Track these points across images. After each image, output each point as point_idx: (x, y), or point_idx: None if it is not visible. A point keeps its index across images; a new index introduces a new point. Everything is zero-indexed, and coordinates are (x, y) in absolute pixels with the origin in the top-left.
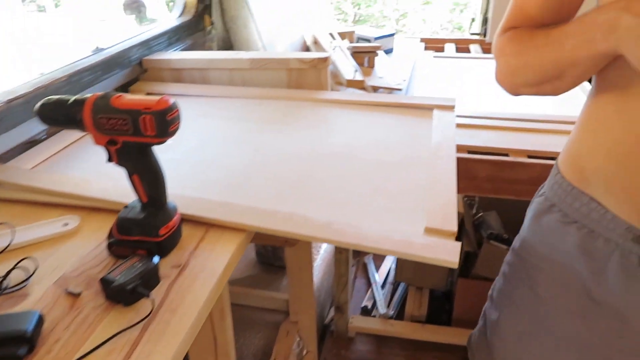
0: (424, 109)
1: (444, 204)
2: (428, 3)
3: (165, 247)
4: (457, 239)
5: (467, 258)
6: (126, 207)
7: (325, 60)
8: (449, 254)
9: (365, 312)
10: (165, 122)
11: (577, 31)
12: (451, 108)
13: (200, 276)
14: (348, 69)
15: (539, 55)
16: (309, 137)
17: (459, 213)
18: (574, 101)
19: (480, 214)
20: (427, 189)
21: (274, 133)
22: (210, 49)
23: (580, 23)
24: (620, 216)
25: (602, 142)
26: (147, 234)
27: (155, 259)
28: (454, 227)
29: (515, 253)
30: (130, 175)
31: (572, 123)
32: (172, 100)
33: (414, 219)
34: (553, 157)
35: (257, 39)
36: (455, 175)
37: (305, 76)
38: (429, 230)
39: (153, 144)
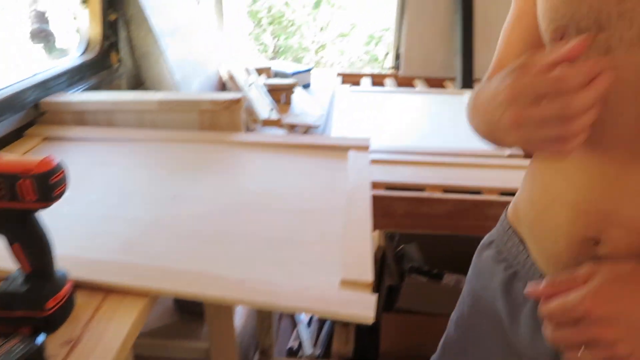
0: (340, 149)
1: (360, 254)
2: (345, 35)
3: (53, 322)
4: (380, 273)
5: (390, 292)
6: (6, 279)
7: (238, 101)
8: (364, 308)
9: (292, 353)
10: (48, 186)
11: (485, 108)
12: (366, 148)
13: (94, 353)
14: (264, 107)
15: (475, 120)
16: (222, 185)
17: (379, 247)
18: None
19: (401, 247)
20: (342, 237)
21: (185, 181)
22: (118, 87)
23: (487, 95)
24: (537, 264)
25: (529, 191)
26: (31, 308)
27: (40, 338)
28: (369, 277)
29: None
30: (11, 244)
31: (487, 156)
32: (56, 160)
33: (330, 271)
34: (467, 191)
35: (169, 76)
36: (370, 223)
37: (218, 118)
38: (345, 283)
39: (35, 210)
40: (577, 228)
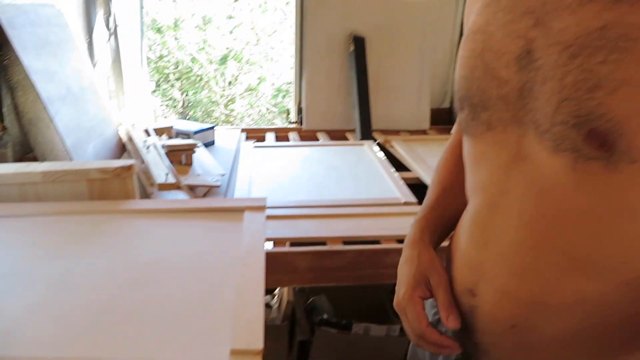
0: (236, 211)
1: (250, 321)
2: (253, 89)
3: None
4: (291, 329)
5: (302, 347)
6: None
7: (129, 168)
8: None
9: None
10: None
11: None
12: (262, 209)
13: None
14: (161, 171)
15: None
16: (112, 258)
17: (289, 302)
18: (384, 185)
19: (311, 299)
20: (234, 304)
21: (72, 258)
22: (4, 156)
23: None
24: None
25: None
26: None
27: None
28: (259, 345)
29: None
30: None
31: (384, 205)
32: None
33: (220, 341)
34: (366, 241)
35: (60, 142)
36: (262, 287)
37: (109, 186)
38: (235, 352)
39: None
40: (459, 280)
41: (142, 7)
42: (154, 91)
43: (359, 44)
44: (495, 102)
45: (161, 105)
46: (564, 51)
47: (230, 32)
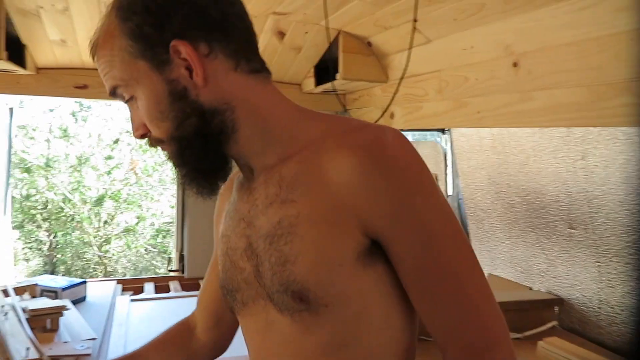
0: None
1: None
2: (131, 230)
3: None
4: None
5: None
6: None
7: None
8: None
9: None
10: None
11: None
12: None
13: None
14: (20, 344)
15: None
16: None
17: None
18: None
19: None
20: None
21: None
22: None
23: None
24: None
25: None
26: None
27: None
28: None
29: None
30: None
31: None
32: None
33: None
34: None
35: None
36: None
37: None
38: None
39: None
40: None
41: (10, 147)
42: (19, 237)
43: None
44: (242, 284)
45: (24, 248)
46: (265, 240)
47: (109, 173)
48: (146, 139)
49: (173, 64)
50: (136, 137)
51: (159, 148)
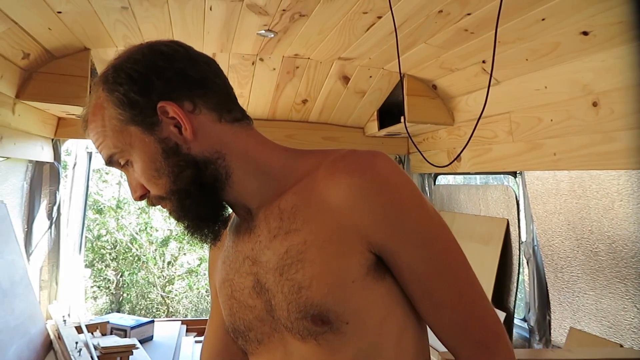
0: None
1: None
2: (194, 271)
3: None
4: None
5: None
6: None
7: None
8: None
9: None
10: None
11: None
12: None
13: None
14: None
15: None
16: None
17: None
18: None
19: None
20: None
21: None
22: None
23: None
24: None
25: None
26: None
27: None
28: None
29: None
30: None
31: None
32: None
33: None
34: None
35: None
36: None
37: None
38: None
39: None
40: None
41: (86, 194)
42: (89, 274)
43: None
44: (254, 322)
45: (92, 286)
46: (275, 273)
47: None
48: (145, 199)
49: (162, 124)
50: (135, 198)
51: (159, 206)
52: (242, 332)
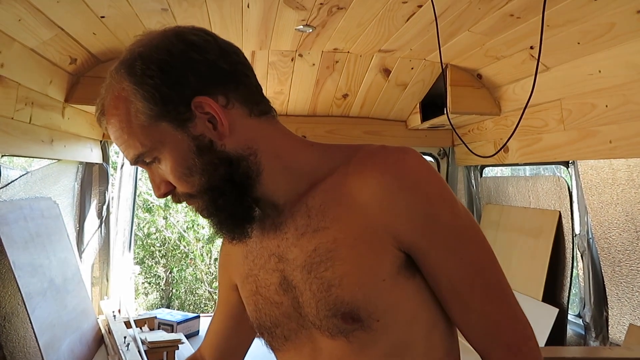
0: None
1: None
2: None
3: None
4: None
5: None
6: None
7: None
8: None
9: None
10: None
11: None
12: None
13: None
14: None
15: None
16: None
17: None
18: None
19: None
20: None
21: None
22: None
23: None
24: None
25: None
26: None
27: None
28: None
29: None
30: None
31: None
32: None
33: None
34: None
35: (33, 341)
36: None
37: None
38: None
39: None
40: None
41: (134, 193)
42: (139, 272)
43: None
44: (281, 319)
45: (143, 282)
46: (302, 270)
47: None
48: (170, 195)
49: (196, 120)
50: (159, 196)
51: (185, 203)
52: (268, 328)
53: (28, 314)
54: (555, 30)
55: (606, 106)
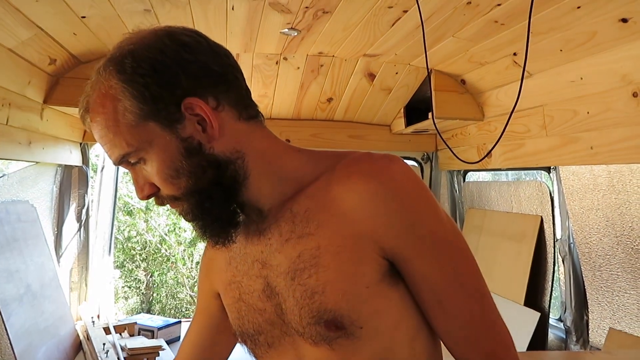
0: None
1: None
2: None
3: None
4: None
5: None
6: None
7: None
8: None
9: None
10: None
11: None
12: None
13: None
14: None
15: None
16: None
17: None
18: None
19: None
20: None
21: None
22: None
23: None
24: None
25: None
26: None
27: None
28: None
29: None
30: None
31: None
32: None
33: None
34: None
35: (8, 348)
36: None
37: None
38: None
39: None
40: None
41: (115, 196)
42: (120, 276)
43: None
44: (264, 326)
45: (123, 286)
46: (286, 277)
47: None
48: (153, 197)
49: (185, 121)
50: (142, 198)
51: (168, 205)
52: (251, 336)
53: (3, 320)
54: (538, 38)
55: (587, 113)
